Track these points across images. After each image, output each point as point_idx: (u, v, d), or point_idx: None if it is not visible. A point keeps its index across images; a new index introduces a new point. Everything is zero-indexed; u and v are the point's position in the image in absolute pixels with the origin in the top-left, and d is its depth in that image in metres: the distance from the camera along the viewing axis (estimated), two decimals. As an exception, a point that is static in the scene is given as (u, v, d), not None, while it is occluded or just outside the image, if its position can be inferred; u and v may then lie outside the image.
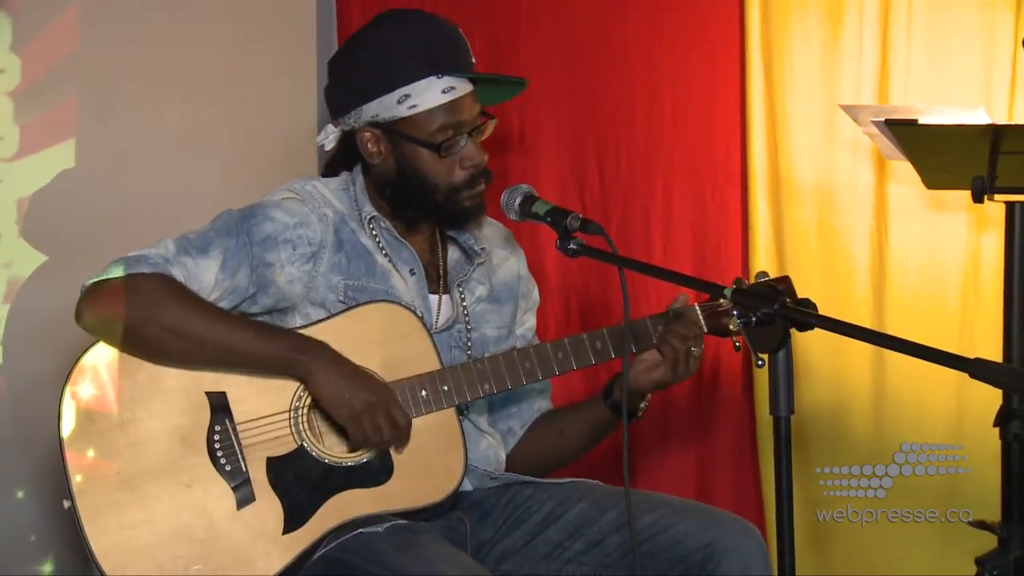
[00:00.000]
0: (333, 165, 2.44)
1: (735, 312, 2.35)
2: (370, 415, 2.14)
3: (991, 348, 2.81)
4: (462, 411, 2.34)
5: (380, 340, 2.23)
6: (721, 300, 2.36)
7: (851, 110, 2.81)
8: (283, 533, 2.14)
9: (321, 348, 2.17)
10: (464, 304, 2.41)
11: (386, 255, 2.34)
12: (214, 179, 3.23)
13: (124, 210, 3.03)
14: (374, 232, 2.34)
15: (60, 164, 2.97)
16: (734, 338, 2.37)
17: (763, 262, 3.10)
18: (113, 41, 3.06)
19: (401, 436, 2.18)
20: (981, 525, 2.58)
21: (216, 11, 3.28)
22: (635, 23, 3.21)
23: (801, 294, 2.42)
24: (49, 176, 2.94)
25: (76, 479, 2.09)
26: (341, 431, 2.23)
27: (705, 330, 2.38)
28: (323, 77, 3.49)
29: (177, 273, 2.17)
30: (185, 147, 3.20)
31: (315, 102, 3.50)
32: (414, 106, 2.26)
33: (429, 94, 2.26)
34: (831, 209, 3.06)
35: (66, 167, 2.97)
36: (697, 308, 2.39)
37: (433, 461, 2.23)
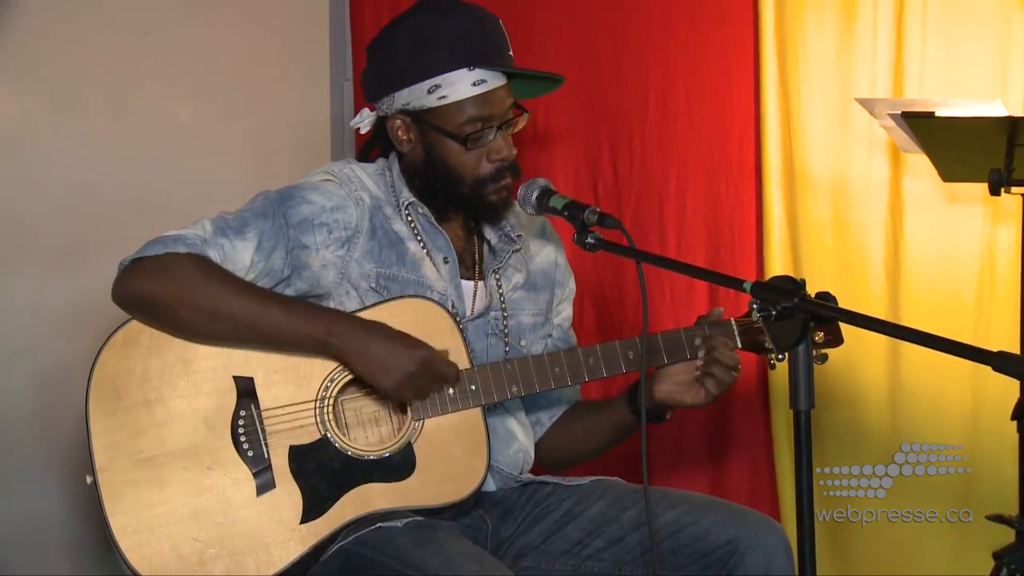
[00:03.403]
0: (368, 149, 2.43)
1: (755, 305, 2.31)
2: (414, 382, 2.15)
3: (1007, 341, 2.80)
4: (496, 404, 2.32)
5: None
6: (756, 317, 2.32)
7: (867, 103, 2.80)
8: (301, 522, 2.14)
9: (349, 326, 2.15)
10: (501, 291, 2.39)
11: (420, 242, 2.32)
12: (229, 170, 3.26)
13: (143, 202, 3.05)
14: (410, 218, 2.32)
15: (75, 157, 2.97)
16: (769, 356, 2.29)
17: (777, 256, 3.09)
18: (125, 34, 3.07)
19: (455, 382, 2.20)
20: (998, 519, 2.58)
21: (229, 3, 3.29)
22: (649, 16, 3.22)
23: (816, 288, 2.39)
24: (64, 170, 2.95)
25: (99, 453, 2.09)
26: (366, 423, 2.23)
27: (740, 345, 2.34)
28: (336, 66, 3.54)
29: (213, 254, 2.17)
30: (200, 139, 3.23)
31: (328, 92, 3.52)
32: (443, 97, 2.24)
33: (459, 86, 2.24)
34: (846, 202, 3.06)
35: (81, 161, 2.98)
36: (733, 323, 2.35)
37: (456, 461, 2.21)
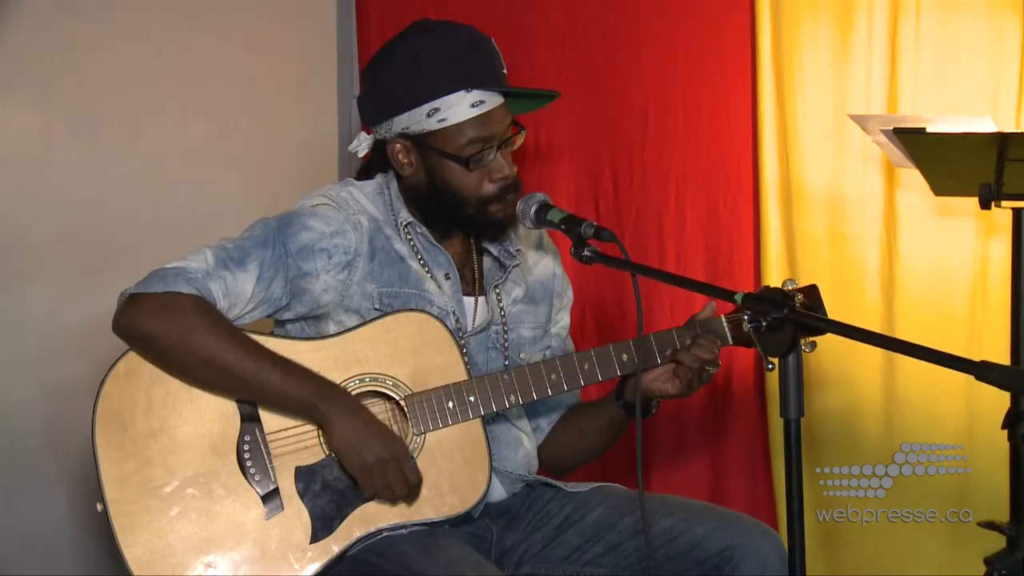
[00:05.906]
0: (367, 169, 2.44)
1: (746, 316, 2.35)
2: (381, 471, 2.15)
3: (999, 352, 2.84)
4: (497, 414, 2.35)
5: (409, 350, 2.24)
6: (747, 328, 2.35)
7: (860, 119, 2.83)
8: (311, 543, 2.16)
9: (340, 397, 2.17)
10: (501, 305, 2.41)
11: (421, 260, 2.34)
12: (240, 188, 3.28)
13: (154, 220, 3.09)
14: (409, 238, 2.34)
15: (89, 174, 3.01)
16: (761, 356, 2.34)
17: (775, 269, 3.13)
18: (139, 54, 3.11)
19: (411, 494, 2.19)
20: (990, 525, 2.60)
21: (238, 23, 3.33)
22: (648, 34, 3.25)
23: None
24: (79, 186, 2.99)
25: (108, 485, 2.11)
26: None
27: (731, 342, 2.39)
28: (343, 86, 3.58)
29: (216, 288, 2.18)
30: (211, 157, 3.25)
31: (336, 110, 3.55)
32: (443, 120, 2.25)
33: (458, 108, 2.25)
34: (841, 217, 3.09)
35: (96, 178, 3.02)
36: (723, 320, 2.39)
37: (459, 472, 2.24)
